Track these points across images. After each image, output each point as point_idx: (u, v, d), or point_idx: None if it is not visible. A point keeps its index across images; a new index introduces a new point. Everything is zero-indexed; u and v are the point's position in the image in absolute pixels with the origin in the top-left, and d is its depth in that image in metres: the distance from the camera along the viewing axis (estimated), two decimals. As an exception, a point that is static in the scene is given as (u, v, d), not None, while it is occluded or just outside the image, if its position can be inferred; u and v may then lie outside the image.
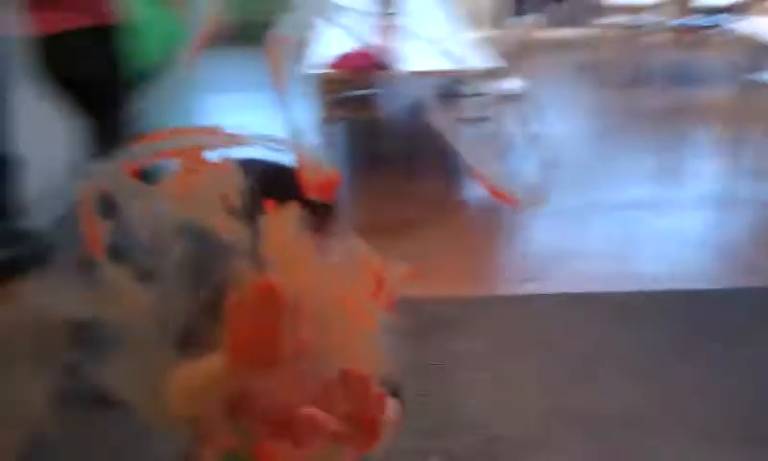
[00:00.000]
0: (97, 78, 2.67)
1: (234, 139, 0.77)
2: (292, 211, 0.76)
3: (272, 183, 0.78)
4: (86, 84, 2.66)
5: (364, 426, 0.79)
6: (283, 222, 0.76)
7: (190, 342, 0.82)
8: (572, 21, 6.49)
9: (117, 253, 0.78)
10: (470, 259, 3.22)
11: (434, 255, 3.18)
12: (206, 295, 0.79)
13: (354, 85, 3.87)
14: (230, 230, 0.77)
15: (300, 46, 3.91)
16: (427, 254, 3.19)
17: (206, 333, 0.79)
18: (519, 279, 3.08)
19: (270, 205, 0.76)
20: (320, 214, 0.80)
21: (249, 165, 0.78)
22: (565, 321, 2.77)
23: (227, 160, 0.77)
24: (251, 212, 0.77)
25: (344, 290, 0.77)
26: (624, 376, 2.45)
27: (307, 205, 0.77)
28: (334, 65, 3.70)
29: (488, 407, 2.32)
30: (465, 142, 0.87)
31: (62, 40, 2.58)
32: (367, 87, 3.89)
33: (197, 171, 0.77)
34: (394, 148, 4.21)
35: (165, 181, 0.77)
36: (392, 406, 0.90)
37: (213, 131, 0.76)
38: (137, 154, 0.76)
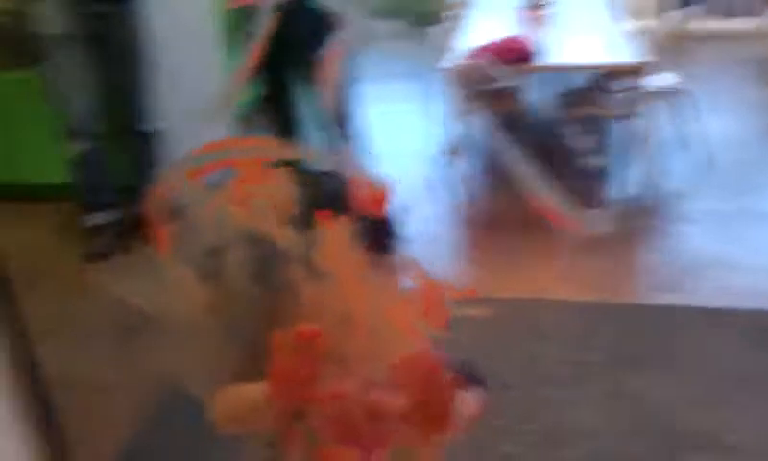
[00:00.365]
0: None
1: (290, 151, 0.78)
2: (344, 224, 0.77)
3: (326, 196, 0.79)
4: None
5: (432, 414, 0.79)
6: (336, 234, 0.77)
7: (250, 343, 0.85)
8: (740, 11, 5.99)
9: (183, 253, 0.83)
10: (605, 263, 3.08)
11: (566, 255, 3.08)
12: (265, 297, 0.82)
13: (496, 78, 3.80)
14: (285, 237, 0.79)
15: (444, 37, 3.90)
16: (559, 252, 3.09)
17: (263, 335, 0.81)
18: (655, 288, 2.91)
19: (324, 216, 0.77)
20: (373, 229, 0.81)
21: (305, 177, 0.79)
22: (701, 337, 2.59)
23: (283, 172, 0.79)
24: (305, 222, 0.79)
25: (393, 306, 0.77)
26: (763, 404, 2.25)
27: (361, 219, 0.78)
28: (476, 55, 3.66)
29: (600, 420, 2.22)
30: (524, 158, 0.82)
31: None
32: (510, 80, 3.82)
33: (255, 180, 0.79)
34: (533, 144, 4.11)
35: (226, 188, 0.80)
36: (469, 397, 0.88)
37: (270, 142, 0.78)
38: (201, 161, 0.80)
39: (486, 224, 3.62)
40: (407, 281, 0.78)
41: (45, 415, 1.78)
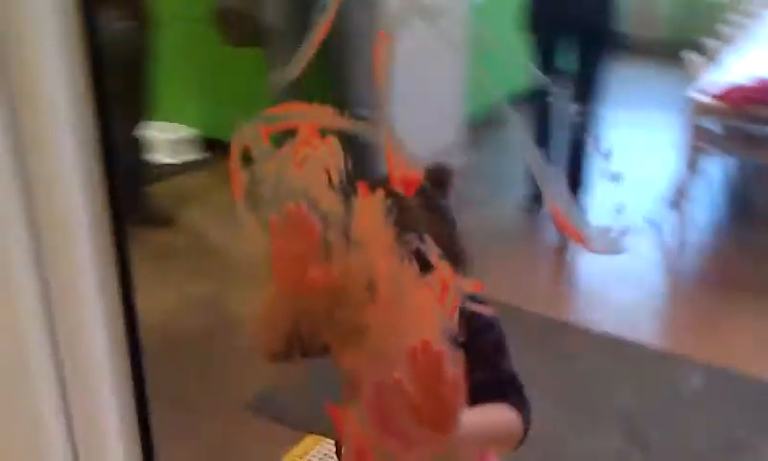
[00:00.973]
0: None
1: (341, 120, 0.83)
2: (380, 197, 0.80)
3: (367, 168, 0.83)
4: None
5: (435, 408, 0.79)
6: (372, 206, 0.81)
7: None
8: None
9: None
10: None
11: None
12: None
13: (752, 118, 3.45)
14: (330, 202, 0.84)
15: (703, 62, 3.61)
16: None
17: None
18: None
19: (363, 187, 0.82)
20: (405, 206, 0.83)
21: (351, 146, 0.84)
22: None
23: (334, 138, 0.84)
24: (347, 190, 0.83)
25: (415, 285, 0.79)
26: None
27: (394, 195, 0.81)
28: (746, 90, 3.30)
29: None
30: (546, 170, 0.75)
31: None
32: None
33: (311, 144, 0.85)
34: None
35: (288, 148, 0.87)
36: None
37: (327, 109, 0.84)
38: (271, 120, 0.88)
39: (695, 275, 3.31)
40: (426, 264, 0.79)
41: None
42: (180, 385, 2.25)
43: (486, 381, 0.94)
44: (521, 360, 1.04)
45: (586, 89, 3.37)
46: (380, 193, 0.81)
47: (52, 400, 0.72)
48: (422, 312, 0.79)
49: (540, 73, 3.36)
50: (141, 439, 0.86)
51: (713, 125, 3.42)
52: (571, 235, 0.74)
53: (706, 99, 3.29)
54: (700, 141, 3.38)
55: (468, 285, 0.77)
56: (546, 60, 3.39)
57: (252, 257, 0.92)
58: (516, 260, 3.28)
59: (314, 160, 0.85)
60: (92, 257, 0.73)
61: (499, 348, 1.05)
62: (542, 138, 3.43)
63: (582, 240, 0.74)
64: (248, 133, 0.89)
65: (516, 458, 1.06)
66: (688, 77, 3.46)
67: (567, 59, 3.37)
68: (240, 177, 0.92)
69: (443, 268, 0.78)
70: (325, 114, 0.84)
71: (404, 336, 0.79)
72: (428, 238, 0.78)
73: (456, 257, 0.91)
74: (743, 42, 4.06)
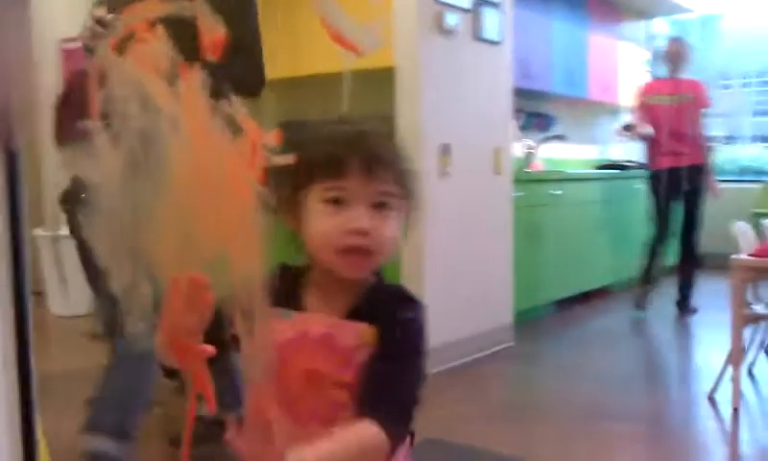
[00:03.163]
0: None
1: (164, 7, 0.81)
2: (197, 75, 0.78)
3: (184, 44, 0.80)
4: None
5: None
6: (193, 86, 0.78)
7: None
8: None
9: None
10: None
11: None
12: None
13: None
14: (165, 95, 0.82)
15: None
16: None
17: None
18: None
19: (183, 68, 0.79)
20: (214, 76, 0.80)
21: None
22: None
23: (159, 26, 0.82)
24: (172, 77, 0.81)
25: (228, 156, 0.76)
26: None
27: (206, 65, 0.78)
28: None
29: None
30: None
31: None
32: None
33: (144, 40, 0.84)
34: None
35: (126, 52, 0.86)
36: None
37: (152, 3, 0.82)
38: (114, 27, 0.87)
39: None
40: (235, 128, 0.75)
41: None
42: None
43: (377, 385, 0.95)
44: None
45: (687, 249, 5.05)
46: (196, 67, 0.78)
47: None
48: (237, 182, 0.74)
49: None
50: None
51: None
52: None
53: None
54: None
55: (272, 138, 0.72)
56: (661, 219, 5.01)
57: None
58: None
59: (147, 57, 0.83)
60: None
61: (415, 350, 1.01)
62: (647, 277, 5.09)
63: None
64: (102, 53, 0.89)
65: None
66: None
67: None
68: (96, 97, 0.91)
69: (252, 128, 0.73)
70: (152, 6, 0.82)
71: (219, 214, 0.74)
72: (234, 99, 0.74)
73: None
74: None
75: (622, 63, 6.91)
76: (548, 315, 5.16)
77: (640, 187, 5.53)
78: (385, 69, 3.53)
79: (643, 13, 7.26)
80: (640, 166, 5.83)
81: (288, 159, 0.78)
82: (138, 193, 0.86)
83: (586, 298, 5.57)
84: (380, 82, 3.52)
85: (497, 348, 4.15)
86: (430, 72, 3.66)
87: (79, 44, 2.95)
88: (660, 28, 7.65)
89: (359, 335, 0.97)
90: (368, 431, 0.91)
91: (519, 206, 4.49)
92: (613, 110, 7.03)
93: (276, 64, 3.50)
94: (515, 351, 4.18)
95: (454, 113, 3.83)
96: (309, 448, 0.85)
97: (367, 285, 1.02)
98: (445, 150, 3.76)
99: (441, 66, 3.74)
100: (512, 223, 4.35)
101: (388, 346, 0.97)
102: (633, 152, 6.72)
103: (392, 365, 0.96)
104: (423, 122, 3.61)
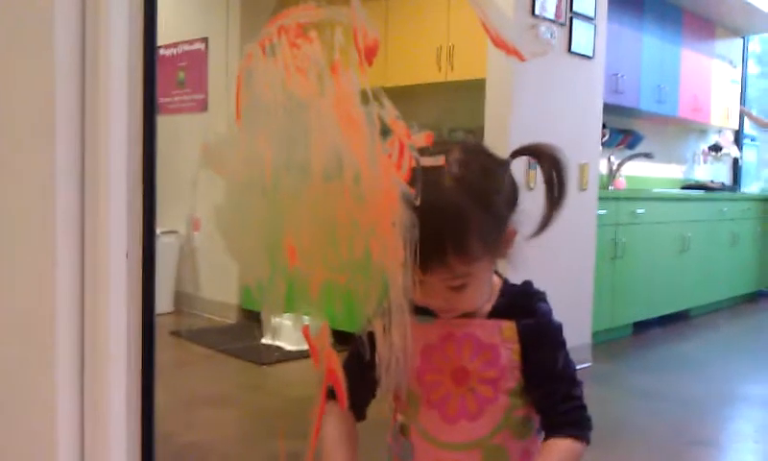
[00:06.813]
0: None
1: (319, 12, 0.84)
2: (351, 75, 0.81)
3: None
4: None
5: None
6: (344, 86, 0.81)
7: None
8: None
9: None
10: None
11: None
12: None
13: None
14: (315, 92, 0.85)
15: None
16: None
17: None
18: None
19: (335, 67, 0.82)
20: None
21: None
22: None
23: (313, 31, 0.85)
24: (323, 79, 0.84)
25: (377, 157, 0.78)
26: None
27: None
28: None
29: None
30: None
31: None
32: None
33: (297, 45, 0.87)
34: None
35: (277, 53, 0.89)
36: None
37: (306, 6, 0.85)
38: (264, 32, 0.91)
39: None
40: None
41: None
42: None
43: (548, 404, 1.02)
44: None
45: None
46: (350, 72, 0.80)
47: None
48: (384, 185, 0.76)
49: None
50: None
51: None
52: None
53: None
54: None
55: (421, 140, 0.74)
56: None
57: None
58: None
59: (305, 58, 0.86)
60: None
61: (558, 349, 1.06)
62: None
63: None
64: (251, 52, 0.93)
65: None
66: None
67: None
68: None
69: (398, 127, 0.75)
70: (306, 9, 0.85)
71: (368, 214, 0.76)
72: (386, 101, 0.75)
73: None
74: None
75: (715, 82, 6.71)
76: (625, 337, 5.03)
77: (726, 210, 5.35)
78: (476, 81, 3.53)
79: (739, 31, 7.03)
80: (726, 188, 5.64)
81: (437, 161, 0.79)
82: (284, 191, 0.89)
83: (664, 321, 5.42)
84: (472, 93, 3.52)
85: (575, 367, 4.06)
86: (521, 85, 3.63)
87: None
88: (755, 47, 7.40)
89: (500, 331, 1.01)
90: (564, 448, 0.99)
91: (601, 224, 4.41)
92: (703, 130, 6.82)
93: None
94: (591, 372, 4.09)
95: (542, 127, 3.79)
96: None
97: (498, 288, 1.06)
98: (531, 164, 3.72)
99: (532, 79, 3.71)
100: (595, 241, 4.28)
101: (534, 337, 1.03)
102: (719, 173, 6.51)
103: (551, 365, 1.04)
104: (511, 135, 3.59)
